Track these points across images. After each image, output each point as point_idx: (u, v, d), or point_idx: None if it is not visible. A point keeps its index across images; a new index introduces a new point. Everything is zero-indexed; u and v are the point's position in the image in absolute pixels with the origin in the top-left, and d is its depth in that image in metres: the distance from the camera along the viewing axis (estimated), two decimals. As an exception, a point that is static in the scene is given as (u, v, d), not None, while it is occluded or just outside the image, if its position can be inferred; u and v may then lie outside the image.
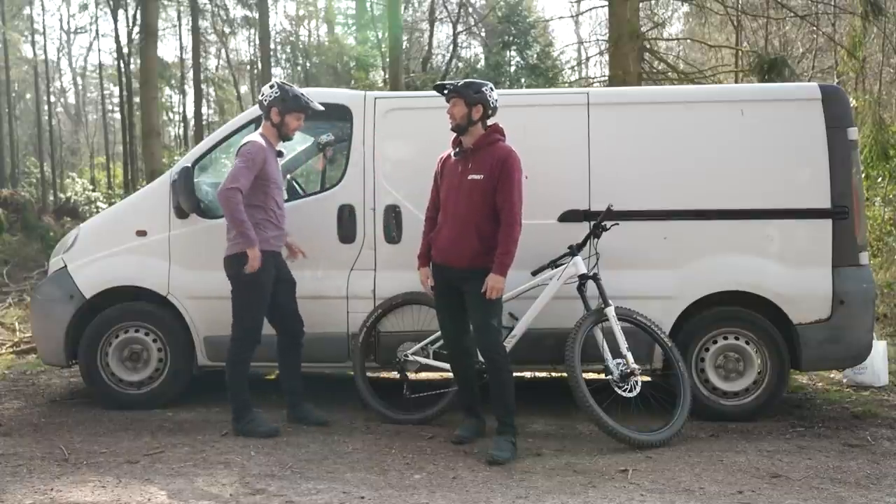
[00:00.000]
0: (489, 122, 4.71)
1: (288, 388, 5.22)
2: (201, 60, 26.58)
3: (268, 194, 4.96)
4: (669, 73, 13.11)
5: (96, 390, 5.64)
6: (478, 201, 4.59)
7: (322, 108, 5.17)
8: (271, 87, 5.09)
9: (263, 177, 4.91)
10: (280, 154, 5.18)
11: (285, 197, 5.80)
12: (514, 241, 4.52)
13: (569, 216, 5.29)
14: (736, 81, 13.96)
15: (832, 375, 6.62)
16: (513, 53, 24.74)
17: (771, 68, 11.38)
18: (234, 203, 4.79)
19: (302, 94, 5.07)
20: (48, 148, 31.64)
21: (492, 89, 4.69)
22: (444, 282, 4.77)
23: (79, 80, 40.95)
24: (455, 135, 4.72)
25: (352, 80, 24.14)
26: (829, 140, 5.23)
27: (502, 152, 4.59)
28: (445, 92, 4.71)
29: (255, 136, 5.03)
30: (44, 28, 36.52)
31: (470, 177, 4.61)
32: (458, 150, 4.74)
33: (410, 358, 5.24)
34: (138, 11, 20.08)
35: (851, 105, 5.62)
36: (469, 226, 4.60)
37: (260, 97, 5.13)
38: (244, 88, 33.64)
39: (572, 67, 23.47)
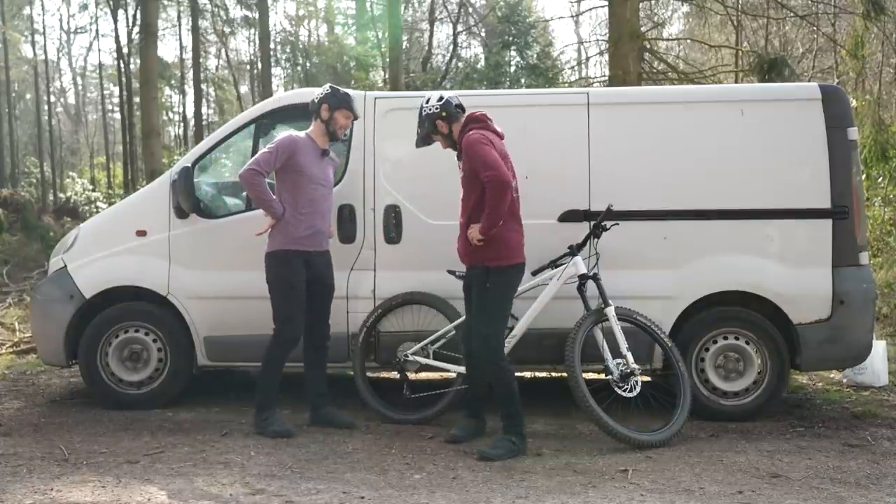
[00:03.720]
0: (468, 113, 4.74)
1: (313, 391, 5.19)
2: (201, 60, 26.58)
3: (299, 188, 4.94)
4: (669, 73, 13.11)
5: (96, 390, 5.64)
6: (466, 197, 4.67)
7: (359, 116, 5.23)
8: (323, 89, 5.13)
9: (294, 169, 4.91)
10: (326, 153, 5.11)
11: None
12: (493, 206, 4.41)
13: (569, 216, 5.29)
14: (736, 81, 13.96)
15: (832, 375, 6.62)
16: (513, 53, 24.74)
17: (771, 68, 11.38)
18: (255, 183, 4.85)
19: (352, 97, 5.14)
20: (48, 148, 31.63)
21: (427, 100, 4.73)
22: (465, 280, 4.83)
23: (79, 80, 40.97)
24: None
25: (352, 80, 24.13)
26: (829, 140, 5.23)
27: (463, 143, 4.60)
28: (428, 143, 4.84)
29: (297, 131, 5.09)
30: (44, 28, 36.50)
31: (461, 175, 4.70)
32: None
33: (410, 358, 5.24)
34: (138, 11, 20.07)
35: (851, 105, 5.62)
36: (463, 223, 4.65)
37: (311, 100, 5.12)
38: (244, 88, 33.64)
39: (572, 67, 23.49)
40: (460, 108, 4.74)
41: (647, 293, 5.18)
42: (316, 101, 5.07)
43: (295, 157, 4.90)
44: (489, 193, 4.45)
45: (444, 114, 4.69)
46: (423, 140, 4.83)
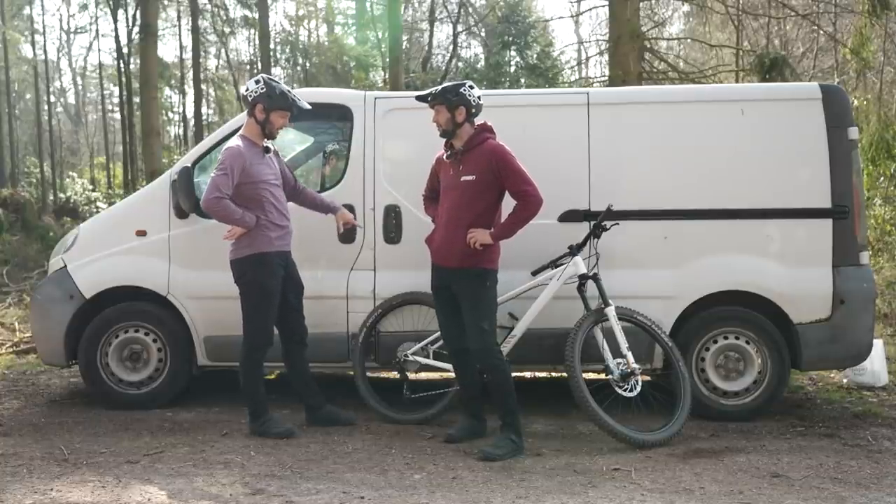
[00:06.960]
0: (477, 121, 4.72)
1: (303, 392, 5.16)
2: (201, 60, 26.55)
3: (260, 195, 4.86)
4: (670, 73, 13.12)
5: (96, 390, 5.63)
6: (469, 202, 4.62)
7: (309, 106, 5.02)
8: (257, 82, 4.92)
9: (249, 179, 4.82)
10: (268, 150, 5.01)
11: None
12: (523, 219, 4.58)
13: (569, 216, 5.29)
14: (736, 81, 13.96)
15: (832, 375, 6.62)
16: (513, 53, 24.78)
17: (771, 68, 11.38)
18: (220, 209, 4.76)
19: (289, 92, 4.93)
20: (48, 148, 31.58)
21: (471, 87, 4.70)
22: (439, 282, 4.79)
23: (79, 80, 40.92)
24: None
25: (352, 80, 24.14)
26: (829, 139, 5.23)
27: (488, 149, 4.61)
28: (429, 100, 4.74)
29: (234, 140, 4.93)
30: (44, 28, 36.37)
31: (463, 178, 4.64)
32: (450, 152, 4.75)
33: (410, 358, 5.24)
34: (138, 11, 20.04)
35: (852, 104, 5.62)
36: (460, 226, 4.61)
37: (244, 91, 4.98)
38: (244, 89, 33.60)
39: (572, 67, 23.51)
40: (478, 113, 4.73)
41: (647, 293, 5.17)
42: (249, 98, 4.89)
43: (247, 169, 4.80)
44: (524, 208, 4.55)
45: (474, 109, 4.67)
46: (446, 133, 4.72)
